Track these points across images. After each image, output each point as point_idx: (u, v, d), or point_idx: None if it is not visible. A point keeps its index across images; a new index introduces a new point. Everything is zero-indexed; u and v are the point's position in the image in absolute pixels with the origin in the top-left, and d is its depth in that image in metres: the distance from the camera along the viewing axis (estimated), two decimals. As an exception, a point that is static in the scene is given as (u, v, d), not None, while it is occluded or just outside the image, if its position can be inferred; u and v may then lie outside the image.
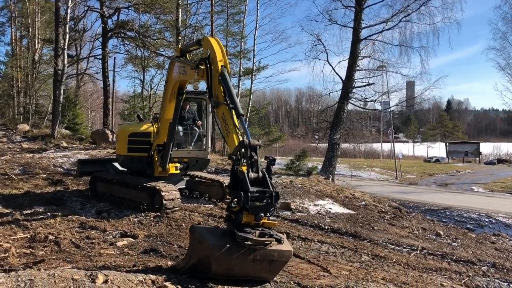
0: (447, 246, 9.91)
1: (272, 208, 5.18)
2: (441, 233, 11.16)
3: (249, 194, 5.03)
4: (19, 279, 4.15)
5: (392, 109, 40.75)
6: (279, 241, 5.05)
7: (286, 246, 5.22)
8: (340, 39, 27.54)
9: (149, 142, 10.87)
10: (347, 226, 10.36)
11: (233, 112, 6.30)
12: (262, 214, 5.05)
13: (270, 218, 5.19)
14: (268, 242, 4.98)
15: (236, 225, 5.07)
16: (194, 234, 5.19)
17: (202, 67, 7.60)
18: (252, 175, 5.28)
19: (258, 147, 5.56)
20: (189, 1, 29.75)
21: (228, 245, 4.87)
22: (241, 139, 5.74)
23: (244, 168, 5.34)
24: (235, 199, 5.28)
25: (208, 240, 4.93)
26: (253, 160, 5.37)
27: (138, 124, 11.95)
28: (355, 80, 23.13)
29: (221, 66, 7.05)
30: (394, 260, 7.85)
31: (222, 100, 6.59)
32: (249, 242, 4.86)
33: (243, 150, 5.49)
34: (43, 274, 4.33)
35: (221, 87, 6.73)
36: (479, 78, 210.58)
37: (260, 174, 5.35)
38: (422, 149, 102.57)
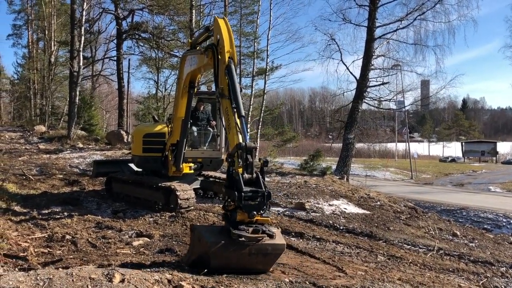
0: (464, 246, 9.80)
1: (265, 207, 5.55)
2: (458, 233, 11.03)
3: (242, 194, 5.39)
4: (38, 277, 4.21)
5: (407, 108, 40.37)
6: (271, 236, 5.41)
7: (280, 239, 5.62)
8: (354, 38, 27.28)
9: (163, 142, 10.93)
10: (362, 226, 10.29)
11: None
12: (255, 213, 5.43)
13: (263, 215, 5.55)
14: (260, 238, 5.36)
15: (232, 222, 5.45)
16: (194, 232, 5.63)
17: (211, 49, 7.71)
18: (247, 176, 5.63)
19: (254, 149, 5.87)
20: (203, 2, 29.85)
21: (224, 241, 5.26)
22: (240, 139, 6.03)
23: (240, 169, 5.68)
24: (231, 198, 5.62)
25: (206, 238, 5.34)
26: (248, 162, 5.70)
27: (153, 125, 12.03)
28: (370, 80, 22.96)
29: (228, 58, 7.09)
30: (410, 260, 7.78)
31: (227, 94, 6.73)
32: (243, 239, 5.25)
33: (240, 151, 5.78)
34: (61, 273, 4.38)
35: (227, 80, 6.84)
36: (496, 77, 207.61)
37: (254, 175, 5.69)
38: (437, 149, 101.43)
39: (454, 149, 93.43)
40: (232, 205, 5.57)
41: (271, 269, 5.94)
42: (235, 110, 6.42)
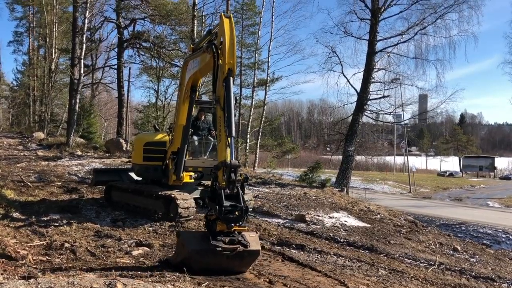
0: (465, 261, 9.75)
1: (242, 220, 6.07)
2: (459, 248, 10.99)
3: (223, 208, 5.91)
4: (39, 286, 4.13)
5: (406, 122, 40.49)
6: (245, 246, 5.94)
7: (256, 245, 6.18)
8: (355, 51, 27.48)
9: (164, 151, 10.87)
10: (363, 240, 10.23)
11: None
12: (233, 225, 5.98)
13: (241, 225, 6.11)
14: (235, 249, 5.88)
15: (211, 232, 6.03)
16: (179, 238, 6.27)
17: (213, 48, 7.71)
18: (228, 191, 6.13)
19: (237, 168, 6.26)
20: (205, 12, 30.00)
21: (203, 249, 5.90)
22: (227, 156, 6.40)
23: (224, 184, 6.17)
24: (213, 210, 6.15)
25: (187, 245, 6.01)
26: (230, 180, 6.14)
27: (153, 133, 11.99)
28: (370, 93, 23.04)
29: (228, 69, 7.07)
30: (411, 275, 7.72)
31: (222, 105, 6.86)
32: (219, 249, 5.81)
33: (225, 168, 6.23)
34: (62, 282, 4.30)
35: (223, 93, 6.90)
36: (492, 92, 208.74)
37: (235, 190, 6.18)
38: (435, 163, 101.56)
39: (451, 163, 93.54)
40: (213, 216, 6.10)
41: (273, 282, 6.03)
42: (226, 129, 6.60)
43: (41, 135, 29.78)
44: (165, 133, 11.41)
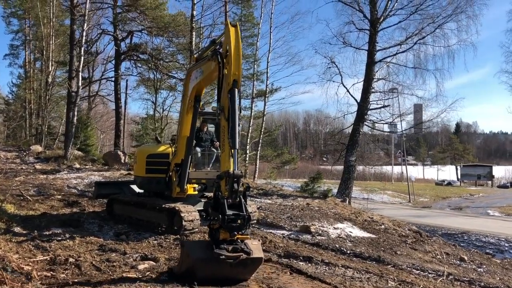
0: (473, 271, 9.66)
1: (245, 228, 6.19)
2: (465, 258, 10.90)
3: (226, 217, 6.03)
4: (50, 304, 4.01)
5: (405, 132, 40.57)
6: (247, 253, 6.04)
7: (258, 253, 6.30)
8: (354, 61, 27.66)
9: (167, 163, 10.74)
10: (369, 250, 10.12)
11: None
12: (236, 233, 6.07)
13: (244, 233, 6.21)
14: (238, 257, 5.99)
15: (215, 240, 6.12)
16: (183, 248, 6.43)
17: (220, 50, 7.74)
18: (231, 200, 6.24)
19: (240, 178, 6.38)
20: (202, 24, 30.12)
21: (208, 257, 5.97)
22: (231, 166, 6.49)
23: (226, 193, 6.27)
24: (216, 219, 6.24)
25: (192, 254, 6.13)
26: (233, 189, 6.23)
27: (156, 145, 11.89)
28: (370, 102, 23.06)
29: (233, 80, 7.05)
30: (421, 286, 7.62)
31: (226, 115, 6.89)
32: (223, 257, 5.92)
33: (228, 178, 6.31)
34: (73, 299, 4.18)
35: (228, 103, 6.91)
36: (486, 101, 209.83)
37: (238, 199, 6.29)
38: (432, 172, 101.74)
39: (448, 172, 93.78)
40: (216, 225, 6.18)
41: None
42: (230, 140, 6.63)
43: (38, 148, 29.60)
44: (167, 145, 11.29)
